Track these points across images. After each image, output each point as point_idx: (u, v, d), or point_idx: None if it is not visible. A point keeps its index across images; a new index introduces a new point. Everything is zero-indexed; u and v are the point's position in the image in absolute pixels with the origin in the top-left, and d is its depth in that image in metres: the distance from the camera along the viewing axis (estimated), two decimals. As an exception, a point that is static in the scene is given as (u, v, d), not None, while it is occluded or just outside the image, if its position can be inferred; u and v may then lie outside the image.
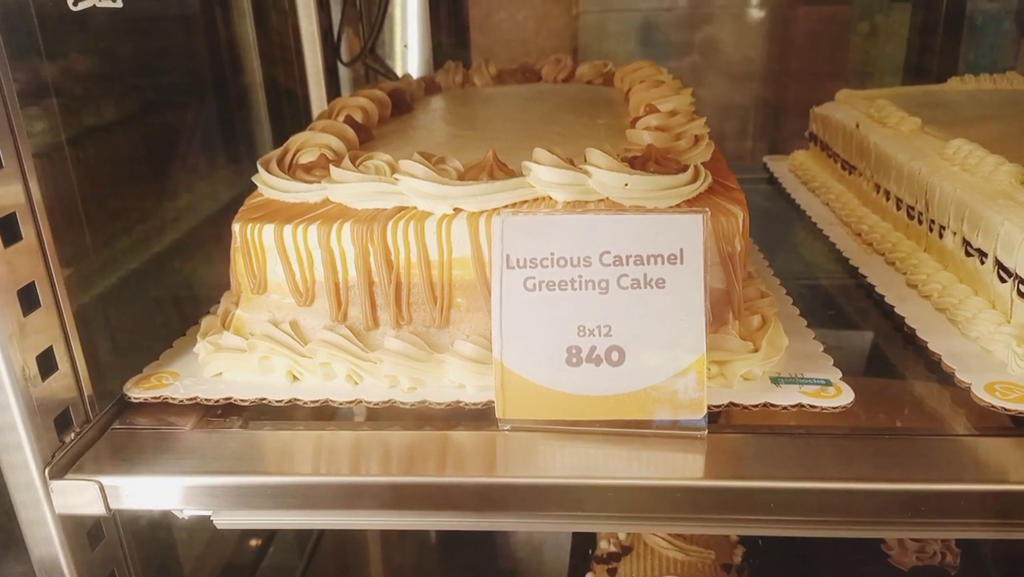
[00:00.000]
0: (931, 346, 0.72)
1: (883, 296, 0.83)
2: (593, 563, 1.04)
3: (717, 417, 0.64)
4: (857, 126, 1.10)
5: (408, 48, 1.68)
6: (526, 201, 0.69)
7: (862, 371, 0.72)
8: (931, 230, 0.87)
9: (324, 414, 0.68)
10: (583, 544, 1.09)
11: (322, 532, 1.20)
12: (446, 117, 1.09)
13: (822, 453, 0.59)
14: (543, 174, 0.69)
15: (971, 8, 1.67)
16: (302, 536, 1.20)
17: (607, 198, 0.68)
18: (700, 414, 0.60)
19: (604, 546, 1.03)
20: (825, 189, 1.18)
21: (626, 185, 0.67)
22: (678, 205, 0.67)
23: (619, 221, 0.63)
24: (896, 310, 0.80)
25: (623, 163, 0.70)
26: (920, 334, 0.74)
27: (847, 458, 0.58)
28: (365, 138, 0.92)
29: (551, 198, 0.69)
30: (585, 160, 0.70)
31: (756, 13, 1.81)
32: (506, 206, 0.68)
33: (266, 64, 1.32)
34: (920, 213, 0.89)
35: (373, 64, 1.63)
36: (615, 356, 0.62)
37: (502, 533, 1.18)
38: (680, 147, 0.77)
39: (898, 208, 0.96)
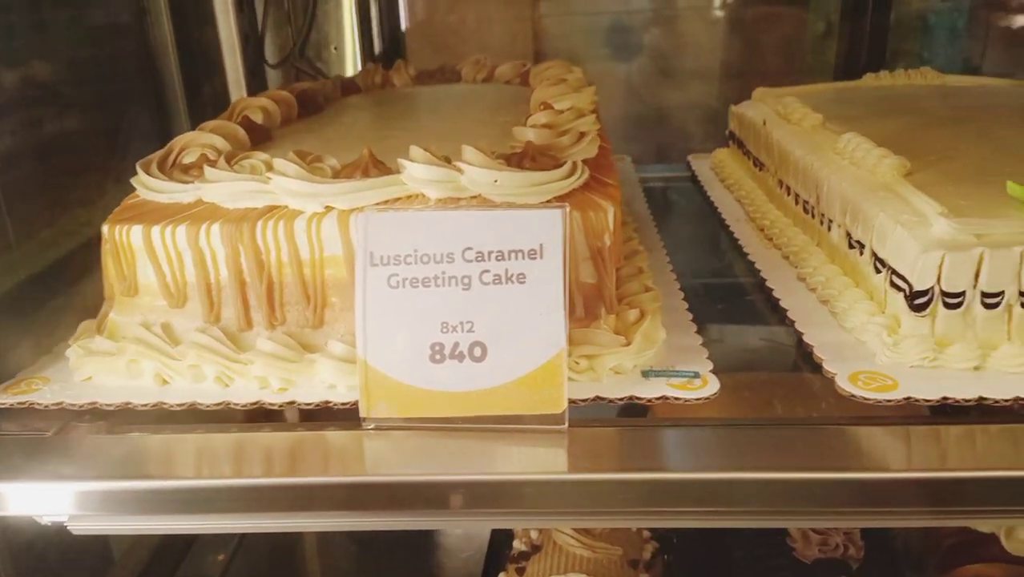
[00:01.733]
0: (806, 337, 0.73)
1: (772, 289, 0.84)
2: (507, 563, 1.03)
3: (595, 410, 0.64)
4: (764, 123, 1.11)
5: (338, 51, 1.67)
6: (399, 199, 0.69)
7: (740, 364, 0.72)
8: (821, 224, 0.88)
9: (195, 417, 0.67)
10: (500, 544, 1.08)
11: (239, 542, 1.19)
12: (354, 117, 1.09)
13: (679, 444, 0.59)
14: (416, 171, 0.69)
15: (918, 8, 1.71)
16: (218, 547, 1.19)
17: (479, 195, 0.68)
18: (560, 408, 0.60)
19: (517, 545, 1.03)
20: (738, 186, 1.18)
21: (495, 181, 0.67)
22: (549, 201, 0.67)
23: (480, 217, 0.63)
24: (781, 303, 0.80)
25: (497, 160, 0.70)
26: (799, 326, 0.75)
27: (701, 448, 0.58)
28: (262, 138, 0.91)
29: (425, 196, 0.69)
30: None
31: (717, 14, 1.85)
32: (378, 204, 0.68)
33: (185, 68, 1.30)
34: (813, 207, 0.90)
35: (303, 67, 1.62)
36: (477, 352, 0.61)
37: (421, 535, 1.18)
38: (562, 143, 0.77)
39: (796, 203, 0.96)
